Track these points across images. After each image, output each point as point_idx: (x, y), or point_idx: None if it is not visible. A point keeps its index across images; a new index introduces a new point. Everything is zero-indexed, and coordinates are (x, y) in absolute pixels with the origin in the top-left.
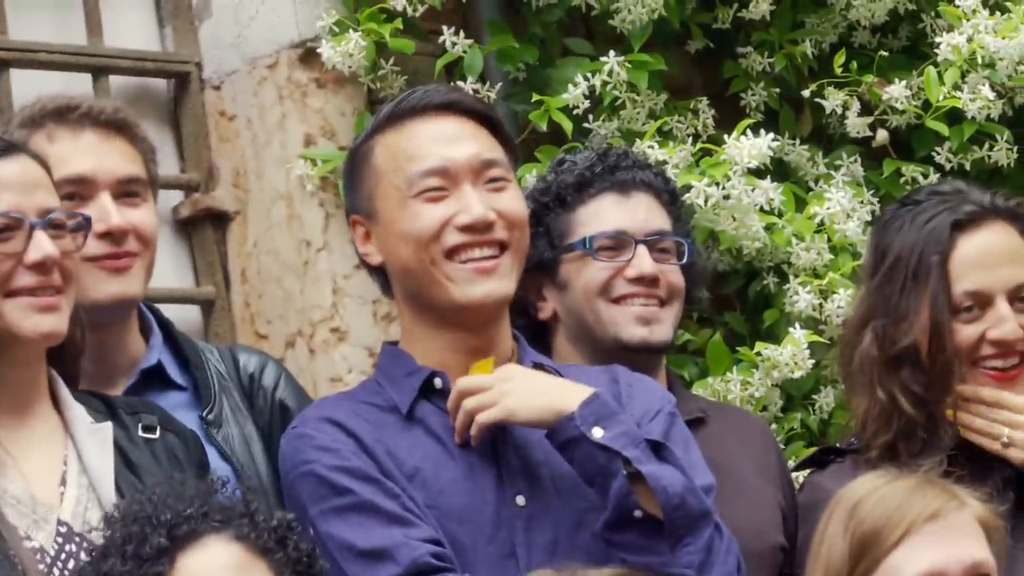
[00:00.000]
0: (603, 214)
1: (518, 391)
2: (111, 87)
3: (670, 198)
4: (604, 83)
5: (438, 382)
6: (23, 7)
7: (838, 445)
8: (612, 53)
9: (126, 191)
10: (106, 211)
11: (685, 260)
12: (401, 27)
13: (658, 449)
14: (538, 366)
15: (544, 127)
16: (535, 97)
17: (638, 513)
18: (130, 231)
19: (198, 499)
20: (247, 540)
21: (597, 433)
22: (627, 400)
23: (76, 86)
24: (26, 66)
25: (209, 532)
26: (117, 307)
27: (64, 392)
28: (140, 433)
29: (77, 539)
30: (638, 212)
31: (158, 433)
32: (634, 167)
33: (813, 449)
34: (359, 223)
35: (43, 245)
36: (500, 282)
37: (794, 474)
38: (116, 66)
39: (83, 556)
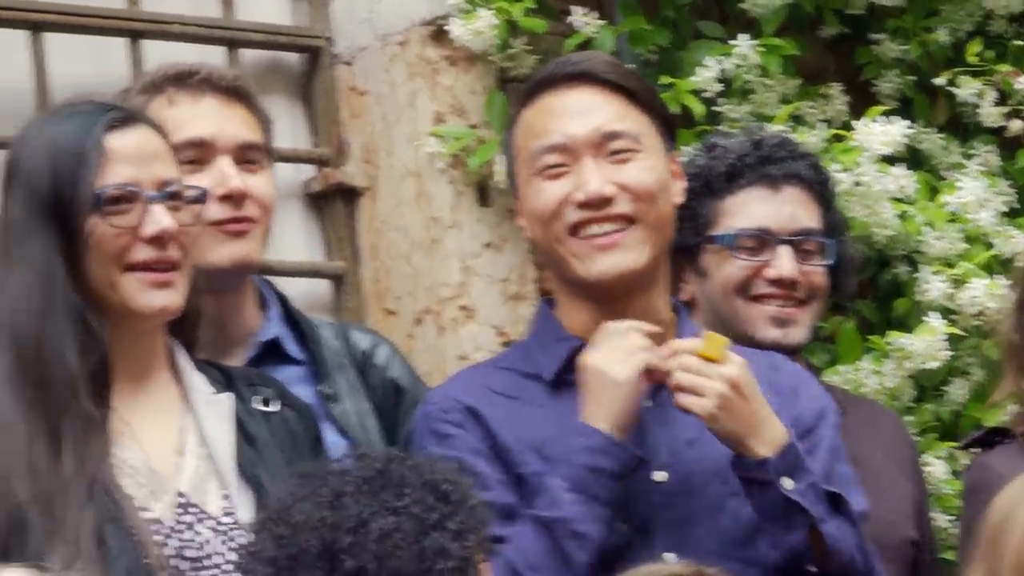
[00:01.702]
0: (749, 208)
1: (733, 406)
2: (243, 60)
3: (822, 190)
4: (737, 67)
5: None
6: None
7: (1006, 427)
8: (745, 37)
9: (245, 157)
10: (226, 174)
11: (829, 260)
12: (534, 6)
13: (836, 502)
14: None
15: (675, 109)
16: (666, 80)
17: (812, 569)
18: (249, 195)
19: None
20: None
21: (787, 484)
22: (789, 396)
23: (208, 59)
24: (159, 37)
25: None
26: (235, 271)
27: (184, 361)
28: (258, 406)
29: (194, 510)
30: (784, 209)
31: (275, 406)
32: (788, 159)
33: (951, 443)
34: (516, 197)
35: (159, 219)
36: (626, 255)
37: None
38: (248, 39)
39: (202, 529)
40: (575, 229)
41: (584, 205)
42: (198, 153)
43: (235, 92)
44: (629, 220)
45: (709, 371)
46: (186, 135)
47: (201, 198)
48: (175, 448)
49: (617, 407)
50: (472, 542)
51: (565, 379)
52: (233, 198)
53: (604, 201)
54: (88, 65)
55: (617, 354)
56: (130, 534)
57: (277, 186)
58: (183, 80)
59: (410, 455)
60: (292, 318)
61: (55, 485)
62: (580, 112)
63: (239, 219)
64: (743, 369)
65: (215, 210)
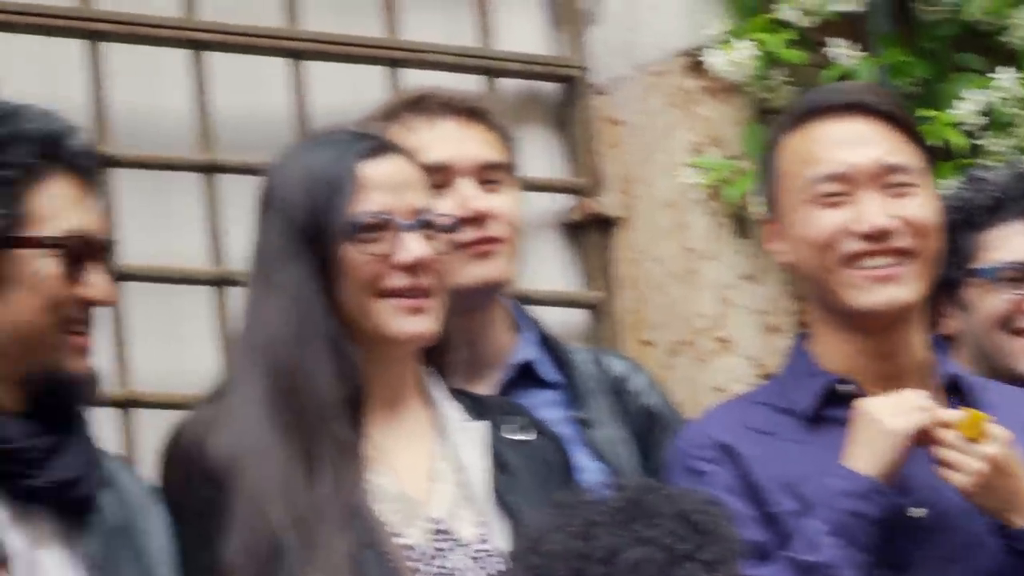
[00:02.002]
0: (1011, 242)
1: (993, 483)
2: (500, 89)
3: None
4: (1001, 99)
5: (845, 388)
6: (414, 8)
7: None
8: (1006, 69)
9: (486, 177)
10: (466, 196)
11: None
12: (794, 38)
13: None
14: (955, 378)
15: (936, 142)
16: (925, 112)
17: None
18: (491, 215)
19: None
20: None
21: None
22: None
23: (466, 88)
24: (416, 66)
25: None
26: (482, 292)
27: (435, 389)
28: (511, 435)
29: (448, 536)
30: None
31: (529, 435)
32: None
33: None
34: (768, 222)
35: (412, 247)
36: (902, 289)
37: None
38: (505, 68)
39: (456, 556)
40: (851, 260)
41: (866, 237)
42: (439, 177)
43: (472, 112)
44: (907, 254)
45: (971, 449)
46: (424, 160)
47: (454, 227)
48: (428, 474)
49: (886, 457)
50: (723, 574)
51: (822, 415)
52: (476, 219)
53: (885, 234)
54: (347, 94)
55: (898, 407)
56: (385, 560)
57: (532, 215)
58: (419, 105)
59: (664, 485)
60: (547, 342)
61: (311, 510)
62: (860, 142)
63: (484, 240)
64: (1005, 446)
65: (460, 232)
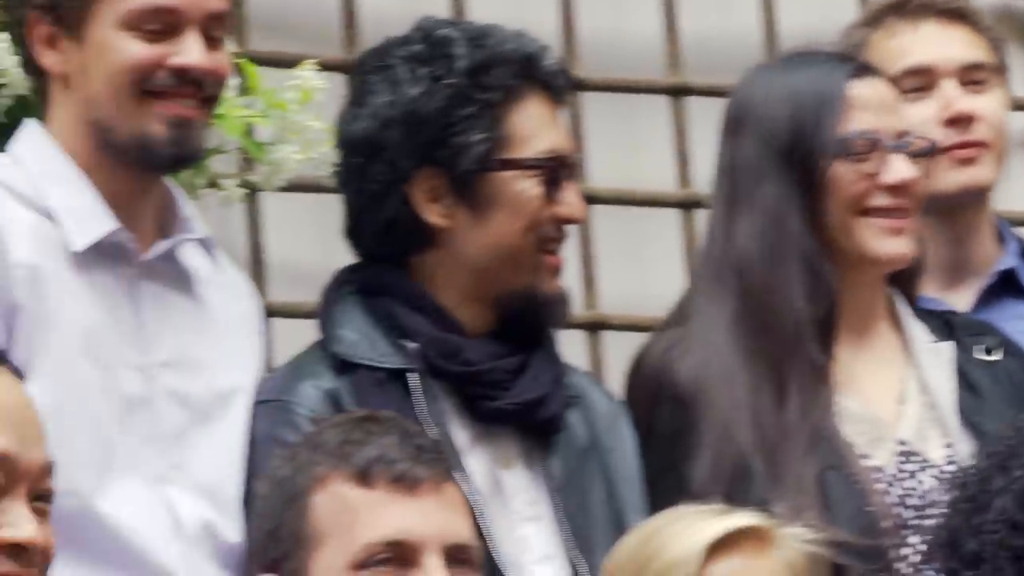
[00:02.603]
0: None
1: None
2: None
3: None
4: None
5: None
6: None
7: None
8: None
9: (971, 78)
10: (949, 98)
11: None
12: None
13: None
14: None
15: None
16: None
17: None
18: (976, 117)
19: None
20: None
21: None
22: None
23: None
24: None
25: None
26: (963, 197)
27: (903, 311)
28: (980, 355)
29: (916, 458)
30: None
31: (998, 355)
32: None
33: None
34: None
35: (899, 168)
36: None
37: None
38: None
39: (924, 477)
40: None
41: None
42: (920, 80)
43: (956, 13)
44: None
45: None
46: (907, 63)
47: (930, 150)
48: (896, 397)
49: None
50: None
51: None
52: (959, 121)
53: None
54: (816, 15)
55: None
56: (853, 482)
57: (1012, 135)
58: (902, 8)
59: None
60: None
61: (778, 433)
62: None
63: (967, 144)
64: None
65: (941, 135)
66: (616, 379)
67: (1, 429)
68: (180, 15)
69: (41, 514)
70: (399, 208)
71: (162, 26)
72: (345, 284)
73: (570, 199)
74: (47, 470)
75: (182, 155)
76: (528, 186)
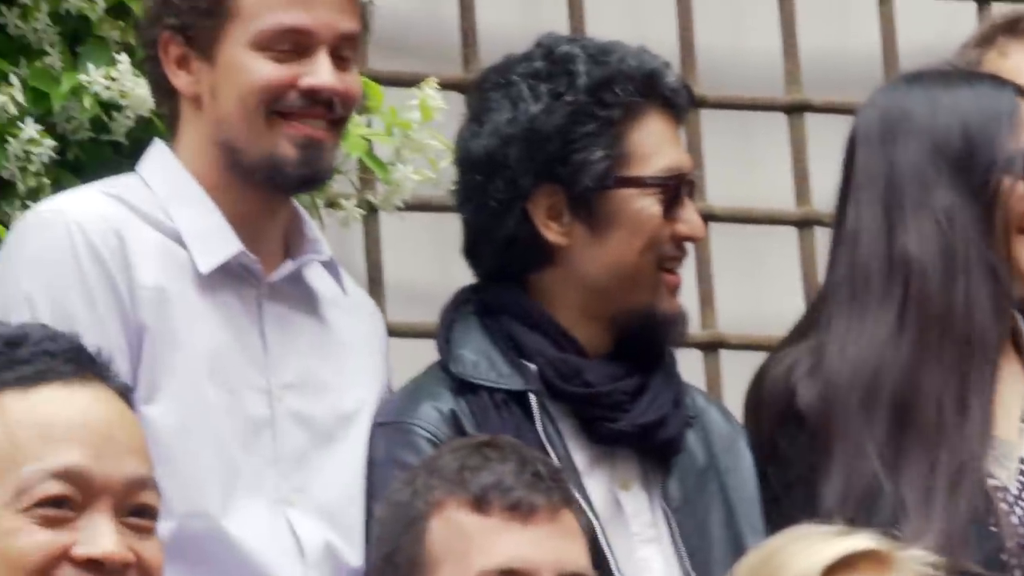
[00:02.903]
0: None
1: None
2: None
3: None
4: None
5: None
6: None
7: None
8: None
9: None
10: None
11: None
12: None
13: None
14: None
15: None
16: None
17: None
18: None
19: None
20: None
21: None
22: None
23: None
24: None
25: None
26: None
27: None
28: None
29: None
30: None
31: None
32: None
33: None
34: None
35: None
36: None
37: None
38: None
39: None
40: None
41: None
42: None
43: None
44: None
45: None
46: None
47: None
48: (1019, 415)
49: None
50: None
51: None
52: None
53: None
54: (933, 32)
55: None
56: (980, 501)
57: None
58: (1013, 28)
59: None
60: None
61: (962, 446)
62: None
63: None
64: None
65: None
66: (733, 398)
67: (75, 444)
68: (311, 36)
69: (136, 529)
70: (518, 226)
71: (293, 47)
72: (464, 304)
73: (689, 217)
74: (137, 485)
75: (311, 176)
76: (648, 204)
